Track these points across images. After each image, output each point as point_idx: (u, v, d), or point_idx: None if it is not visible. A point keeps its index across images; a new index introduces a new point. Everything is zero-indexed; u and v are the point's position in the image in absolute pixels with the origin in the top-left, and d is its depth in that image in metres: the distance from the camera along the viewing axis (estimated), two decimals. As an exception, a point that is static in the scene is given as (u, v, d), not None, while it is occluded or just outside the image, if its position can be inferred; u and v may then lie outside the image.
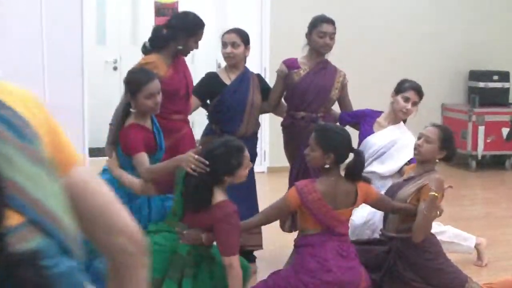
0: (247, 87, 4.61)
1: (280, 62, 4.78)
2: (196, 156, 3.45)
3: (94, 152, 7.33)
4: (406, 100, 4.40)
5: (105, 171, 3.88)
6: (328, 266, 3.51)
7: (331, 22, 4.60)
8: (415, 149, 3.92)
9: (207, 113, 4.73)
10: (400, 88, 4.45)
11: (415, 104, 4.43)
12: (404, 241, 3.82)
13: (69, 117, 7.36)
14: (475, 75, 8.78)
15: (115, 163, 3.85)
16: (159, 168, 3.71)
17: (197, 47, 4.39)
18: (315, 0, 7.91)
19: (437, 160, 3.93)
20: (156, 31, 4.37)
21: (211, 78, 4.67)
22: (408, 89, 4.41)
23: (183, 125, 4.38)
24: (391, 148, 4.36)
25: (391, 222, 3.91)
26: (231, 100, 4.55)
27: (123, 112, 3.90)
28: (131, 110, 3.85)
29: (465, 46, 8.92)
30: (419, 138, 3.92)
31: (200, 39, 4.37)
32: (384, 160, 4.40)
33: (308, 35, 4.61)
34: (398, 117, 4.47)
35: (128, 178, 3.76)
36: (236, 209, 3.45)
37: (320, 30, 4.53)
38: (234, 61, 4.62)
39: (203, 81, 4.70)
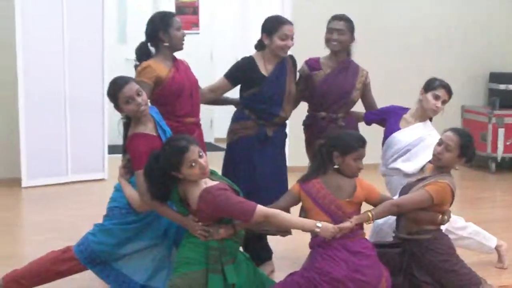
0: (285, 77, 4.52)
1: (302, 62, 4.75)
2: (200, 224, 3.52)
3: (114, 149, 7.36)
4: (436, 97, 4.39)
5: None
6: (335, 264, 3.55)
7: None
8: (434, 155, 3.91)
9: (241, 100, 4.60)
10: (430, 86, 4.43)
11: (444, 102, 4.42)
12: (417, 242, 3.81)
13: (89, 115, 7.42)
14: (495, 77, 8.72)
15: (122, 171, 3.83)
16: (158, 210, 3.68)
17: (183, 34, 4.32)
18: (337, 2, 7.90)
19: (456, 168, 3.94)
20: (140, 48, 4.42)
21: (249, 65, 4.50)
22: (439, 87, 4.40)
23: (194, 128, 4.36)
24: (417, 146, 4.34)
25: (403, 224, 3.89)
26: (271, 91, 4.47)
27: (124, 124, 3.86)
28: (121, 118, 3.84)
29: (485, 48, 8.87)
30: (439, 144, 3.90)
31: (179, 25, 4.30)
32: (410, 158, 4.38)
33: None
34: (427, 114, 4.46)
35: (129, 190, 3.75)
36: (222, 185, 3.56)
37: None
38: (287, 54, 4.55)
39: (240, 66, 4.54)
